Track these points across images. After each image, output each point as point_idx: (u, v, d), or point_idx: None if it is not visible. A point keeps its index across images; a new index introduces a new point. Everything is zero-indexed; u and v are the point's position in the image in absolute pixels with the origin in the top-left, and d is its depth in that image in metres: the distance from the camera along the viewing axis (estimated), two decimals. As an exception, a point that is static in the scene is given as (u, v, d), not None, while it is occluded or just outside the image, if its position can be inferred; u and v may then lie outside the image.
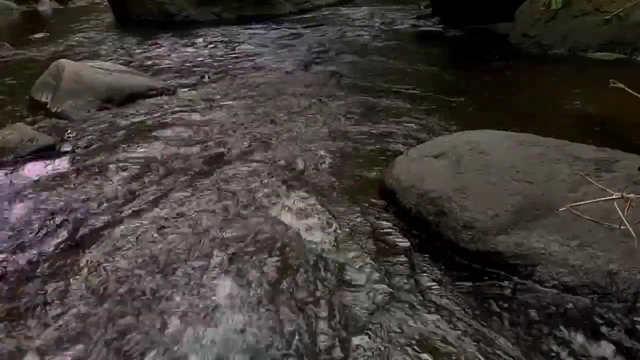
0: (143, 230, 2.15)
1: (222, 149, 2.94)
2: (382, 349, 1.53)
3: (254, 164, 2.74)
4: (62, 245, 2.08)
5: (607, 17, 4.50)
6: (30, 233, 2.17)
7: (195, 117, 3.50)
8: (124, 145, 3.05)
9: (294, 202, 2.33)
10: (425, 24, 6.57)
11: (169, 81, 4.38)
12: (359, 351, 1.52)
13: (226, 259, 1.93)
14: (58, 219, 2.26)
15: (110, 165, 2.78)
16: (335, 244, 2.02)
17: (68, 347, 1.55)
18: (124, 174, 2.68)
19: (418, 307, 1.69)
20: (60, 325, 1.64)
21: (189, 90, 4.16)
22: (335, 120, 3.34)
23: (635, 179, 1.94)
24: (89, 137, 3.20)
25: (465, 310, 1.68)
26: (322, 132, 3.16)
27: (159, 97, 3.94)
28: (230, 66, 4.92)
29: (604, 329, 1.57)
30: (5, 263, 1.97)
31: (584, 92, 3.70)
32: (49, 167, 2.79)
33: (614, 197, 1.59)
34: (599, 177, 1.96)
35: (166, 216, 2.25)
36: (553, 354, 1.50)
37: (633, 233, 1.53)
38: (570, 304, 1.67)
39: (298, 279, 1.82)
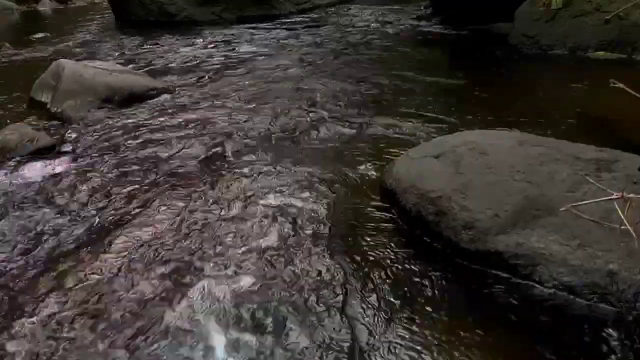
0: (143, 230, 2.15)
1: (222, 149, 2.94)
2: (381, 349, 1.53)
3: (254, 164, 2.74)
4: (61, 246, 2.07)
5: (607, 17, 4.51)
6: (30, 233, 2.16)
7: (196, 117, 3.50)
8: (124, 146, 3.05)
9: (293, 202, 2.33)
10: (425, 24, 6.57)
11: (169, 81, 4.38)
12: (358, 352, 1.52)
13: (227, 254, 1.94)
14: (58, 219, 2.26)
15: (110, 166, 2.78)
16: (335, 244, 2.02)
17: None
18: (124, 174, 2.68)
19: (418, 307, 1.69)
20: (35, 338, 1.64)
21: (189, 90, 4.16)
22: (335, 120, 3.33)
23: (635, 179, 1.94)
24: (89, 137, 3.20)
25: (465, 310, 1.68)
26: (322, 132, 3.16)
27: (159, 97, 3.94)
28: (231, 66, 4.92)
29: (604, 329, 1.57)
30: (4, 263, 1.97)
31: (584, 92, 3.70)
32: (49, 167, 2.79)
33: (614, 197, 1.59)
34: (599, 177, 1.96)
35: (167, 216, 2.25)
36: (553, 354, 1.50)
37: (633, 233, 1.53)
38: (570, 304, 1.67)
39: (296, 275, 1.82)
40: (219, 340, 1.56)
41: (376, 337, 1.57)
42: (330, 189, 2.45)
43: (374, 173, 2.58)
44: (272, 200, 2.36)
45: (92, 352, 1.53)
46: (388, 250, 1.99)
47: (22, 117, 3.55)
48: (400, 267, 1.89)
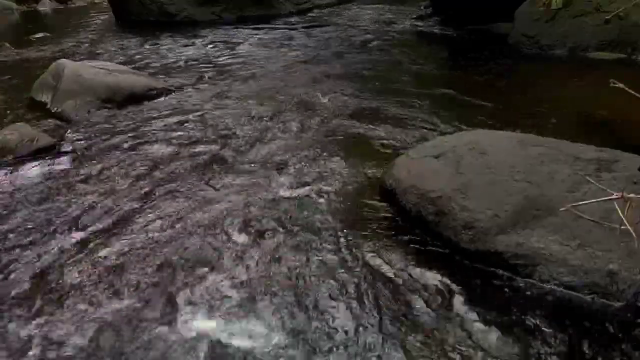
0: (142, 230, 2.15)
1: (222, 149, 2.94)
2: (381, 349, 1.53)
3: (254, 164, 2.74)
4: (61, 246, 2.07)
5: (607, 17, 4.50)
6: (30, 233, 2.16)
7: (195, 116, 3.50)
8: (124, 145, 3.05)
9: (292, 203, 2.33)
10: (425, 24, 6.56)
11: (169, 81, 4.37)
12: (357, 352, 1.52)
13: (226, 261, 1.94)
14: (58, 219, 2.26)
15: (110, 165, 2.78)
16: (335, 244, 2.02)
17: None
18: (124, 174, 2.68)
19: (418, 307, 1.69)
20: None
21: (188, 90, 4.16)
22: (335, 121, 3.33)
23: (635, 179, 1.94)
24: (89, 137, 3.20)
25: (465, 310, 1.67)
26: (322, 132, 3.16)
27: (159, 97, 3.93)
28: (230, 66, 4.91)
29: (604, 329, 1.57)
30: (4, 263, 1.97)
31: (584, 92, 3.70)
32: (49, 167, 2.78)
33: (614, 197, 1.59)
34: (599, 177, 1.96)
35: (166, 216, 2.25)
36: (553, 354, 1.50)
37: (633, 233, 1.53)
38: (570, 304, 1.67)
39: (297, 275, 1.83)
40: None
41: (376, 335, 1.57)
42: (329, 189, 2.45)
43: (374, 173, 2.58)
44: (270, 201, 2.36)
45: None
46: (388, 250, 1.99)
47: (22, 117, 3.55)
48: (400, 267, 1.89)
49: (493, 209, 1.94)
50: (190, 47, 5.82)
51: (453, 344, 1.54)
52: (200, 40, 6.13)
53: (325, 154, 2.84)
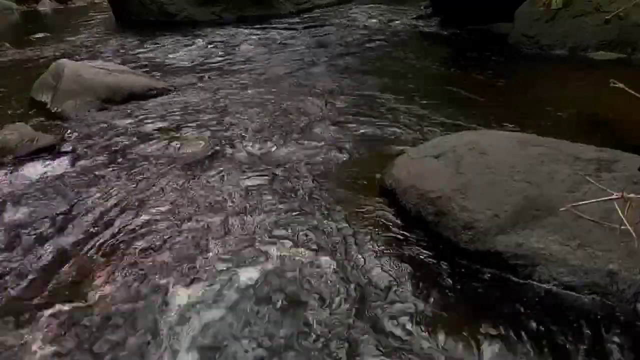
0: (142, 230, 2.15)
1: (221, 149, 2.95)
2: (382, 350, 1.53)
3: (253, 165, 2.74)
4: (61, 246, 2.07)
5: (607, 17, 4.50)
6: (30, 234, 2.16)
7: (195, 117, 3.50)
8: (124, 145, 3.05)
9: (291, 203, 2.33)
10: (425, 24, 6.57)
11: (169, 81, 4.38)
12: (358, 354, 1.52)
13: (222, 266, 1.94)
14: (58, 220, 2.26)
15: (110, 165, 2.78)
16: (335, 245, 2.02)
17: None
18: (124, 173, 2.68)
19: (417, 307, 1.69)
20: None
21: (189, 90, 4.16)
22: (335, 121, 3.33)
23: (635, 179, 1.94)
24: (89, 137, 3.20)
25: (464, 310, 1.68)
26: (322, 132, 3.15)
27: (159, 97, 3.94)
28: (230, 66, 4.92)
29: (603, 329, 1.57)
30: (4, 263, 1.97)
31: (584, 92, 3.70)
32: (49, 167, 2.79)
33: (614, 197, 1.59)
34: (599, 177, 1.96)
35: (167, 216, 2.25)
36: (552, 355, 1.50)
37: (633, 233, 1.53)
38: (570, 304, 1.67)
39: (298, 276, 1.83)
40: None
41: (376, 336, 1.57)
42: (329, 189, 2.45)
43: (374, 173, 2.58)
44: (269, 202, 2.36)
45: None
46: (387, 250, 1.99)
47: (22, 117, 3.55)
48: (399, 267, 1.88)
49: (493, 209, 1.94)
50: (190, 47, 5.82)
51: (452, 345, 1.53)
52: (200, 40, 6.13)
53: (324, 153, 2.84)
